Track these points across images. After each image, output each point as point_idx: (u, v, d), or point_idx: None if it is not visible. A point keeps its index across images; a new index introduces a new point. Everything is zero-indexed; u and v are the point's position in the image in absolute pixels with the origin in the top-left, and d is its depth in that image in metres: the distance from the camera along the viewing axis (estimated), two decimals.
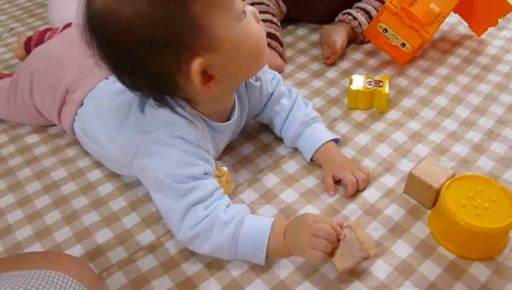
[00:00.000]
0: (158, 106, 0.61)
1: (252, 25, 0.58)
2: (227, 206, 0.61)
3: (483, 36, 1.02)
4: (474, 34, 1.03)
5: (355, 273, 0.59)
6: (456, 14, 1.04)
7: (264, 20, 1.00)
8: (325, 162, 0.73)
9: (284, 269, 0.61)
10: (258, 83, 0.74)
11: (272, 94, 0.77)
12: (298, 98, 0.79)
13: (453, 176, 0.66)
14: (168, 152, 0.60)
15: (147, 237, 0.67)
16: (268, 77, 0.77)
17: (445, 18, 0.88)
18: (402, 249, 0.62)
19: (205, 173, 0.61)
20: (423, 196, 0.67)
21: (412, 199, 0.69)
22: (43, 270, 0.50)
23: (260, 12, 1.01)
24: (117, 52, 0.55)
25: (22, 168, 0.80)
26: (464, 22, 1.04)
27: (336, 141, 0.76)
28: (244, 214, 0.60)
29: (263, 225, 0.59)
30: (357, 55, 1.01)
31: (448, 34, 1.05)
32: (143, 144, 0.62)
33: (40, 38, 1.00)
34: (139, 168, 0.64)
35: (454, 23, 1.07)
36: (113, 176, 0.76)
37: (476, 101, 0.85)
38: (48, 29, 1.02)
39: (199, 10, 0.52)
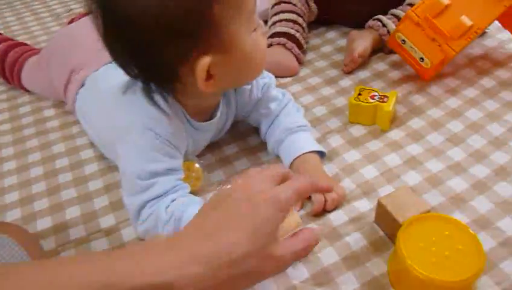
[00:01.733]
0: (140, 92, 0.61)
1: (260, 39, 0.59)
2: (173, 200, 0.61)
3: None
4: None
5: None
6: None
7: (287, 20, 0.97)
8: (301, 174, 0.69)
9: None
10: (248, 87, 0.72)
11: (261, 98, 0.75)
12: (289, 104, 0.76)
13: (428, 212, 0.58)
14: (135, 144, 0.61)
15: (108, 220, 0.69)
16: (260, 82, 0.75)
17: (478, 34, 0.78)
18: (348, 283, 0.56)
19: (168, 169, 0.62)
20: (389, 229, 0.60)
21: (380, 230, 0.62)
22: None
23: (285, 11, 0.98)
24: (127, 33, 0.54)
25: (30, 139, 0.87)
26: None
27: (321, 154, 0.72)
28: (182, 211, 0.58)
29: None
30: (381, 66, 0.93)
31: (494, 51, 0.92)
32: (119, 130, 0.64)
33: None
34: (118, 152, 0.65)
35: (505, 40, 0.94)
36: (102, 157, 0.79)
37: (497, 131, 0.74)
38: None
39: (220, 11, 0.52)
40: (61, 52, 0.84)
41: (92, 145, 0.82)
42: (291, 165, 0.70)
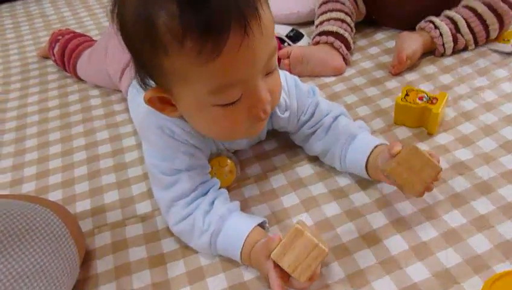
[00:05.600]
0: None
1: (236, 114, 0.53)
2: (213, 202, 0.61)
3: None
4: None
5: None
6: None
7: (335, 19, 0.95)
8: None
9: (250, 273, 0.58)
10: (286, 114, 0.67)
11: (307, 120, 0.69)
12: (340, 117, 0.68)
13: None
14: (155, 142, 0.62)
15: (144, 206, 0.69)
16: (304, 103, 0.68)
17: None
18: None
19: (190, 166, 0.61)
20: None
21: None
22: (31, 203, 0.56)
23: (333, 10, 0.97)
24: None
25: (77, 125, 0.90)
26: None
27: None
28: (220, 224, 0.58)
29: (236, 242, 0.57)
30: (431, 68, 0.89)
31: None
32: (140, 127, 0.67)
33: None
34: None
35: None
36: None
37: None
38: None
39: (170, 65, 0.49)
40: (115, 47, 0.86)
41: (133, 133, 0.84)
42: (367, 166, 0.63)
